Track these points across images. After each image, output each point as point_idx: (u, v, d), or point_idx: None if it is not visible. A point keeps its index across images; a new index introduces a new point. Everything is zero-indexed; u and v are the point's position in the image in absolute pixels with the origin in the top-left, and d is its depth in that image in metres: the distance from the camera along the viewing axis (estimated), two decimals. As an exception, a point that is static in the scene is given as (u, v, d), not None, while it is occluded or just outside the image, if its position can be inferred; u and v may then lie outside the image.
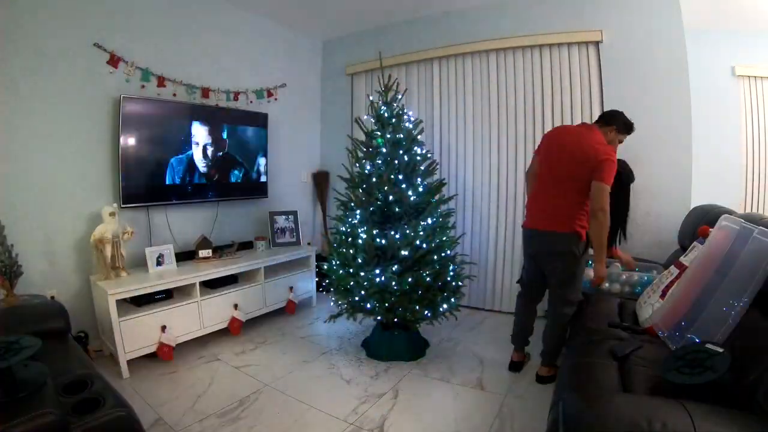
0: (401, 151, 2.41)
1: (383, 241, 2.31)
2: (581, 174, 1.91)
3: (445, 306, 2.40)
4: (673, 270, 1.80)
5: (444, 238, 2.42)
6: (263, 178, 3.40)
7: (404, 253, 2.26)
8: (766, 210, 2.77)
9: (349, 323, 2.75)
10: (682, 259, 1.80)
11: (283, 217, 3.46)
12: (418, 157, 2.47)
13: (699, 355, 1.20)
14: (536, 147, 2.20)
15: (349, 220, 2.47)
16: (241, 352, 2.58)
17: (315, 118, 4.17)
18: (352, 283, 2.35)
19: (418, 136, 2.52)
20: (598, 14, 2.77)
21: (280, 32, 3.67)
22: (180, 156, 2.81)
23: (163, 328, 2.36)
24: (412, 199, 2.35)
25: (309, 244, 3.65)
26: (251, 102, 3.38)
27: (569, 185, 1.96)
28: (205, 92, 3.03)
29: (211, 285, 2.72)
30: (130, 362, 2.23)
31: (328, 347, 2.66)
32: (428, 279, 2.25)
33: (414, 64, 3.55)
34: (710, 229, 1.69)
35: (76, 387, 1.25)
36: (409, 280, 2.22)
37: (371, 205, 2.39)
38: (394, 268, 2.25)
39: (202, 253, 2.86)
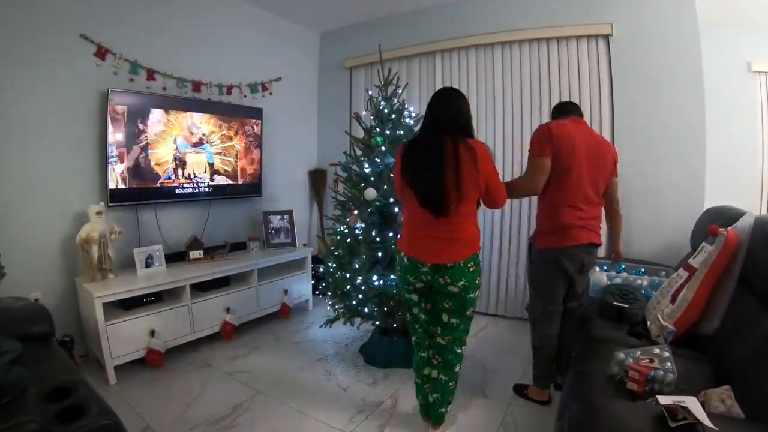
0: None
1: (382, 243, 2.22)
2: (611, 174, 1.90)
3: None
4: (682, 273, 1.74)
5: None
6: (257, 176, 3.30)
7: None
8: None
9: (347, 328, 2.65)
10: (690, 260, 1.74)
11: (278, 216, 3.37)
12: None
13: (626, 291, 1.89)
14: (543, 146, 1.75)
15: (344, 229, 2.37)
16: (234, 357, 2.50)
17: (312, 113, 4.07)
18: (349, 286, 2.27)
19: (419, 133, 2.43)
20: (608, 6, 2.66)
21: (275, 23, 3.56)
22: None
23: (152, 332, 2.29)
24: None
25: (305, 245, 3.55)
26: (245, 96, 3.28)
27: (604, 188, 1.88)
28: (197, 86, 2.94)
29: (203, 288, 2.64)
30: (117, 368, 2.17)
31: (325, 353, 2.58)
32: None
33: (416, 58, 3.46)
34: (720, 229, 1.63)
35: (60, 394, 1.20)
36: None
37: (369, 205, 2.30)
38: (392, 272, 2.16)
39: (193, 254, 2.78)
